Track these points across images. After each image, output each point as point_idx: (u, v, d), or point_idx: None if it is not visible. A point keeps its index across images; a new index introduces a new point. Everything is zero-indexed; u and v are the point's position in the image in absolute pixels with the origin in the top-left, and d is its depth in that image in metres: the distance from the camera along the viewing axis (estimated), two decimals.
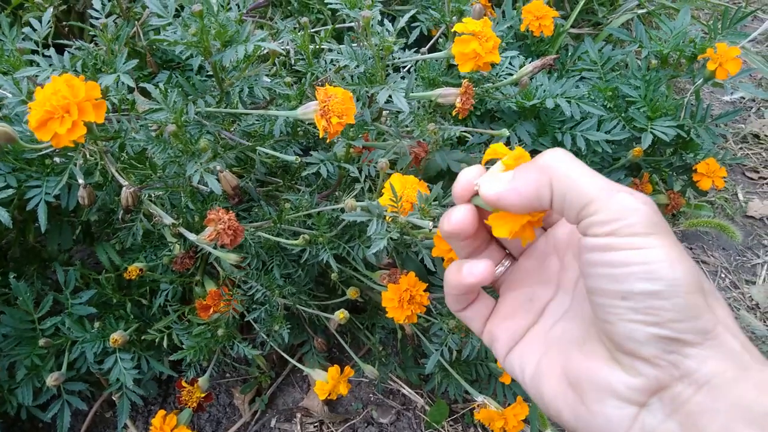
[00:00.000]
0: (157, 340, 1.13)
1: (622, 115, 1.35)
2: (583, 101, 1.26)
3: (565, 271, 0.48)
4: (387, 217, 0.83)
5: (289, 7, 1.58)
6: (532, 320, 0.49)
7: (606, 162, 1.40)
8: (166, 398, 1.40)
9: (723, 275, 1.82)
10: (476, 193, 0.46)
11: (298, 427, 1.38)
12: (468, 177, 0.46)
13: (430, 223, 0.76)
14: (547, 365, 0.45)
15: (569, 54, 1.54)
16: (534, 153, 1.39)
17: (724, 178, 1.45)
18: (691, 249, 1.89)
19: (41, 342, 1.07)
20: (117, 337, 1.01)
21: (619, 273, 0.37)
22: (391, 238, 0.78)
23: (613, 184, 0.39)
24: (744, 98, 2.45)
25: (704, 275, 0.39)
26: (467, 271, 0.46)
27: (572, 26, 1.75)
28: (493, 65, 1.05)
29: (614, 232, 0.37)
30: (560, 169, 0.40)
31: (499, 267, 0.52)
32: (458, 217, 0.46)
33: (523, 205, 0.42)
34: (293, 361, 1.16)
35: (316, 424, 1.40)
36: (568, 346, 0.45)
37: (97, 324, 1.11)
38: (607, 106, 1.37)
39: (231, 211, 0.80)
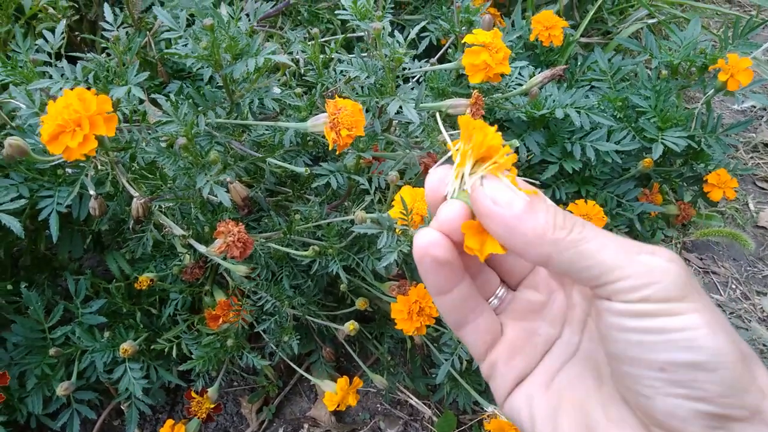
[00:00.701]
0: (166, 350, 1.13)
1: (632, 125, 1.35)
2: (593, 111, 1.26)
3: (572, 308, 0.44)
4: (397, 230, 0.83)
5: (298, 17, 1.58)
6: (537, 358, 0.44)
7: (616, 172, 1.39)
8: (174, 406, 1.40)
9: (734, 286, 1.81)
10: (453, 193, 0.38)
11: None
12: (439, 178, 0.39)
13: None
14: (568, 425, 0.40)
15: (578, 64, 1.54)
16: (543, 164, 1.37)
17: (735, 188, 1.44)
18: (701, 259, 1.88)
19: (52, 351, 1.08)
20: (127, 347, 1.01)
21: (656, 341, 0.34)
22: (401, 251, 0.78)
23: (628, 244, 0.36)
24: (755, 107, 2.44)
25: (740, 337, 0.36)
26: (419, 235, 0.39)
27: (581, 35, 1.75)
28: (502, 76, 1.05)
29: (647, 297, 0.34)
30: (564, 241, 0.36)
31: (492, 299, 0.46)
32: (447, 215, 0.38)
33: (509, 246, 0.36)
34: (301, 371, 1.16)
35: None
36: (587, 402, 0.40)
37: (107, 333, 1.12)
38: (617, 117, 1.36)
39: (241, 223, 0.80)
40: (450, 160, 0.39)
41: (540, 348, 0.44)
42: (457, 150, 0.38)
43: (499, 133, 0.37)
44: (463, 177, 0.38)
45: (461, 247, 0.38)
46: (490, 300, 0.46)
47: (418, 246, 0.38)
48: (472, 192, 0.37)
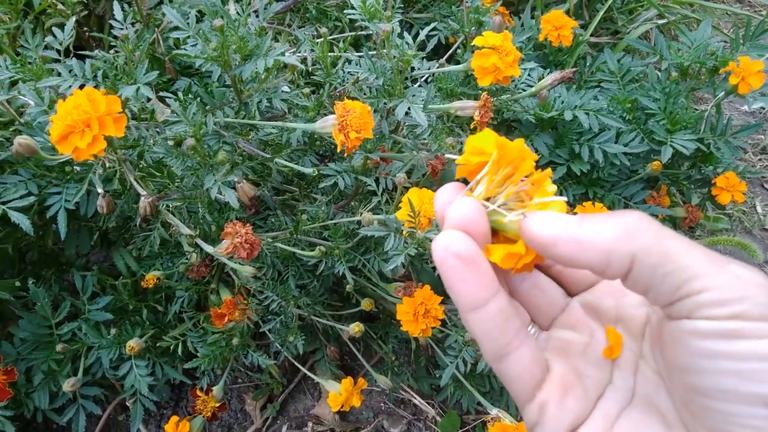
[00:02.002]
0: (171, 347, 1.14)
1: (641, 127, 1.34)
2: (602, 113, 1.25)
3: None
4: (404, 232, 0.83)
5: (306, 14, 1.58)
6: (591, 402, 0.37)
7: (624, 174, 1.38)
8: (179, 402, 1.41)
9: None
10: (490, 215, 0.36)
11: None
12: (447, 199, 0.36)
13: None
14: None
15: (587, 64, 1.53)
16: (551, 165, 1.36)
17: (743, 191, 1.43)
18: None
19: (58, 347, 1.08)
20: (133, 344, 1.02)
21: (755, 369, 0.29)
22: (408, 254, 0.78)
23: (717, 255, 0.31)
24: (764, 109, 2.42)
25: None
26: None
27: (591, 35, 1.74)
28: (512, 78, 1.05)
29: (740, 314, 0.29)
30: (650, 237, 0.32)
31: None
32: (460, 213, 0.34)
33: (582, 263, 0.33)
34: (305, 371, 1.16)
35: None
36: None
37: (113, 330, 1.12)
38: (626, 118, 1.35)
39: (248, 224, 0.80)
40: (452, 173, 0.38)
41: (592, 392, 0.37)
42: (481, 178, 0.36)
43: (521, 140, 0.36)
44: (490, 199, 0.36)
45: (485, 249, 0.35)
46: None
47: (437, 249, 0.34)
48: (524, 229, 0.34)
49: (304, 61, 1.18)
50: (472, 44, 0.98)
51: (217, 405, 1.09)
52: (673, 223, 1.54)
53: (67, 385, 1.02)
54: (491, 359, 0.37)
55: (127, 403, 1.17)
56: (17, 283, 1.09)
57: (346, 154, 0.81)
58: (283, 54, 0.79)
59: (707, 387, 0.31)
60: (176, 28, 0.88)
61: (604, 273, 0.33)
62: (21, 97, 0.98)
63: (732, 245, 1.21)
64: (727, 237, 1.23)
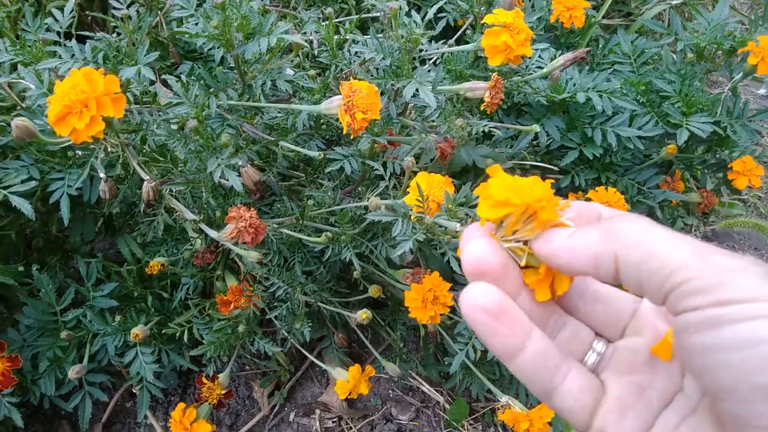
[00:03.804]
0: (177, 334, 1.13)
1: (655, 110, 1.30)
2: (615, 95, 1.22)
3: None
4: (412, 217, 0.81)
5: None
6: (653, 415, 0.35)
7: (637, 159, 1.35)
8: (186, 389, 1.40)
9: None
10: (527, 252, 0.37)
11: (317, 423, 1.37)
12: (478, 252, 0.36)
13: (458, 225, 0.74)
14: None
15: (600, 46, 1.49)
16: (562, 149, 1.33)
17: (760, 176, 1.39)
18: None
19: (63, 334, 1.07)
20: (138, 332, 1.00)
21: (746, 357, 0.27)
22: (416, 240, 0.76)
23: (705, 247, 0.30)
24: None
25: None
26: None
27: (603, 17, 1.69)
28: (523, 58, 1.02)
29: (725, 300, 0.28)
30: (632, 236, 0.32)
31: (589, 355, 0.39)
32: (475, 252, 0.36)
33: (577, 268, 0.34)
34: (313, 358, 1.15)
35: (334, 420, 1.39)
36: None
37: (118, 317, 1.11)
38: (640, 101, 1.32)
39: (252, 209, 0.78)
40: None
41: (656, 404, 0.35)
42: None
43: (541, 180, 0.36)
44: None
45: (511, 284, 0.36)
46: (585, 357, 0.39)
47: (465, 305, 0.34)
48: (534, 251, 0.36)
49: (310, 44, 1.16)
50: (482, 22, 0.95)
51: (223, 392, 1.08)
52: (686, 208, 1.51)
53: (73, 372, 1.01)
54: (541, 399, 0.37)
55: (134, 390, 1.16)
56: (21, 269, 1.08)
57: (352, 136, 0.78)
58: (287, 32, 0.76)
59: (713, 389, 0.29)
60: (179, 9, 0.85)
61: (599, 276, 0.34)
62: (22, 81, 0.97)
63: (749, 227, 1.17)
64: (743, 219, 1.20)
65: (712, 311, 0.28)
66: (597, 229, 0.34)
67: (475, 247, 0.36)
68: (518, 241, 0.36)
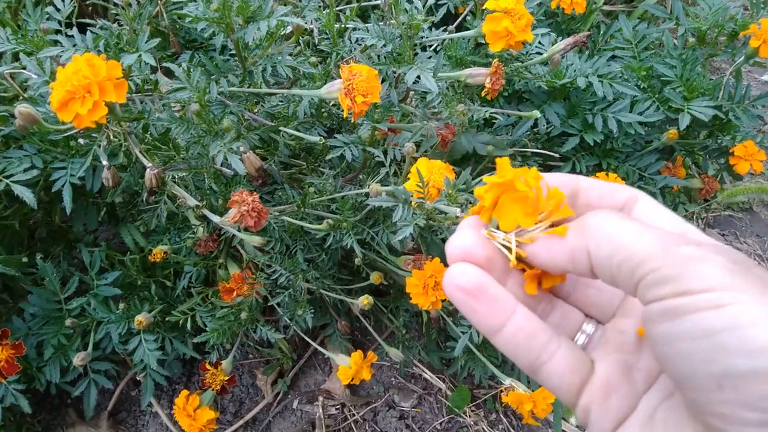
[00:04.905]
0: (180, 322, 1.13)
1: (657, 95, 1.30)
2: (616, 80, 1.22)
3: None
4: (413, 203, 0.81)
5: None
6: (638, 395, 0.36)
7: (638, 145, 1.35)
8: (191, 377, 1.41)
9: (757, 262, 1.77)
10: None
11: (320, 410, 1.38)
12: (462, 245, 0.37)
13: (458, 210, 0.74)
14: None
15: (601, 32, 1.49)
16: (563, 136, 1.33)
17: (762, 161, 1.39)
18: (723, 236, 1.83)
19: (68, 322, 1.08)
20: (141, 319, 1.01)
21: (704, 347, 0.27)
22: (417, 225, 0.76)
23: (673, 237, 0.30)
24: None
25: None
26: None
27: (605, 3, 1.69)
28: (523, 44, 1.02)
29: (685, 290, 0.28)
30: (601, 230, 0.32)
31: (578, 336, 0.40)
32: (459, 242, 0.37)
33: (556, 265, 0.35)
34: (316, 345, 1.16)
35: (337, 407, 1.40)
36: None
37: (121, 305, 1.12)
38: (641, 87, 1.31)
39: (255, 193, 0.79)
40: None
41: (641, 384, 0.36)
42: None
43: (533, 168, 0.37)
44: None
45: (497, 273, 0.37)
46: (575, 338, 0.39)
47: (445, 284, 0.36)
48: (523, 249, 0.37)
49: (310, 33, 1.16)
50: (483, 8, 0.95)
51: (226, 378, 1.09)
52: (687, 195, 1.51)
53: (77, 360, 1.02)
54: (527, 373, 0.38)
55: (138, 378, 1.17)
56: (24, 259, 1.09)
57: (353, 120, 0.78)
58: (286, 15, 0.76)
59: (676, 378, 0.30)
60: None
61: (578, 271, 0.34)
62: (24, 71, 0.97)
63: (753, 193, 1.16)
64: (746, 186, 1.18)
65: (674, 301, 0.28)
66: (571, 227, 0.35)
67: (461, 238, 0.37)
68: (508, 241, 0.37)
